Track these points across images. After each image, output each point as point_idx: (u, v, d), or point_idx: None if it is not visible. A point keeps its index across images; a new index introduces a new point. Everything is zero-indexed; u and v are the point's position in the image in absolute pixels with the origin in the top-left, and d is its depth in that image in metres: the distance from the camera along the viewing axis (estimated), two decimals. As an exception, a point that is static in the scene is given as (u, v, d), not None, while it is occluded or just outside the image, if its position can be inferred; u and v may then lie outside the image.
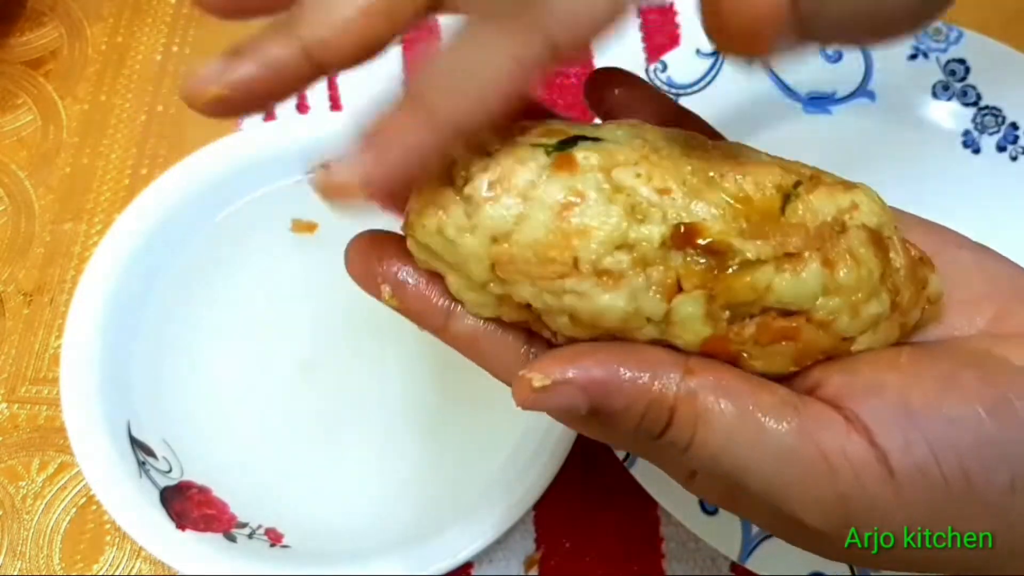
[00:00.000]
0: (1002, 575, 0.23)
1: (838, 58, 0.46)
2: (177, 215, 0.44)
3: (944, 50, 0.46)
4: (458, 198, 0.23)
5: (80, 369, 0.40)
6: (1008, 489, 0.21)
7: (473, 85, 0.21)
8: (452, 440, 0.41)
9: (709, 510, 0.38)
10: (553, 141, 0.23)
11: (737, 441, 0.21)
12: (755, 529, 0.37)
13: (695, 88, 0.46)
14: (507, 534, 0.38)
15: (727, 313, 0.22)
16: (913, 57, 0.46)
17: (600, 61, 0.50)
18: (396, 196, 0.24)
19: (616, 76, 0.28)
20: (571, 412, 0.22)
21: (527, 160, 0.23)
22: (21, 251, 0.47)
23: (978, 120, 0.46)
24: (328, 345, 0.43)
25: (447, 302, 0.24)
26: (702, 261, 0.22)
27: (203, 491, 0.40)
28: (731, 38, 0.20)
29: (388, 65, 0.51)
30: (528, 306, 0.23)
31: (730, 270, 0.22)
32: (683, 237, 0.22)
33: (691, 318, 0.22)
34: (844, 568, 0.37)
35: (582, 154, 0.23)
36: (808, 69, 0.46)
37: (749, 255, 0.22)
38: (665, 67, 0.46)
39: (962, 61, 0.46)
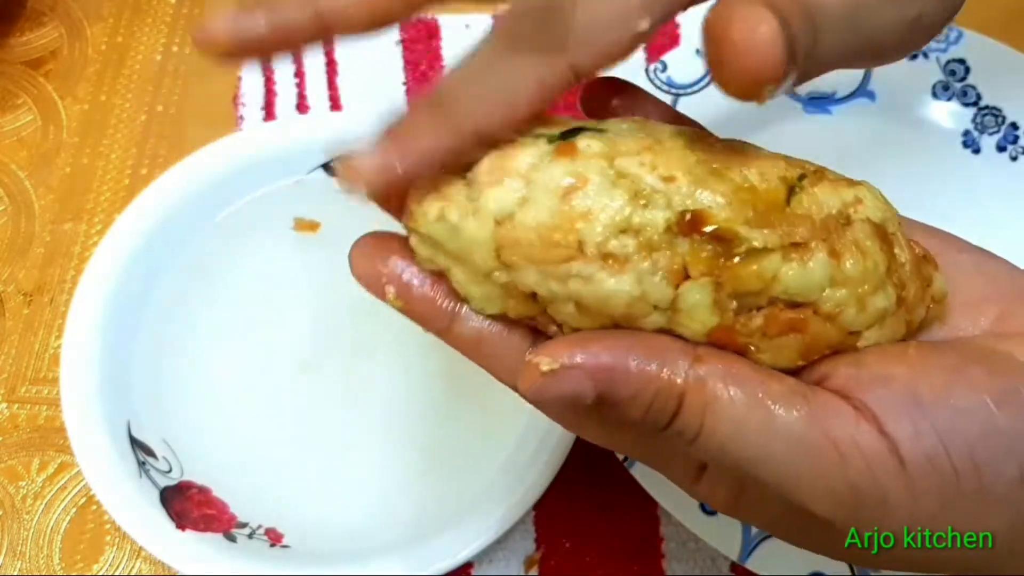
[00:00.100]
0: (1003, 575, 0.23)
1: (838, 58, 0.46)
2: (177, 215, 0.44)
3: (944, 50, 0.46)
4: (460, 184, 0.23)
5: (80, 369, 0.40)
6: (1018, 481, 0.21)
7: (498, 98, 0.22)
8: (452, 440, 0.41)
9: (709, 510, 0.38)
10: (556, 131, 0.23)
11: (746, 429, 0.21)
12: (755, 529, 0.37)
13: (695, 88, 0.46)
14: (507, 534, 0.38)
15: (734, 303, 0.22)
16: (913, 57, 0.46)
17: (600, 61, 0.50)
18: (405, 195, 0.24)
19: (613, 84, 0.28)
20: (577, 400, 0.22)
21: (529, 146, 0.23)
22: (21, 251, 0.47)
23: (978, 120, 0.46)
24: (328, 345, 0.43)
25: (452, 303, 0.24)
26: (709, 248, 0.22)
27: (203, 491, 0.40)
28: (731, 85, 0.21)
29: (388, 66, 0.51)
30: (534, 296, 0.23)
31: (737, 258, 0.22)
32: (689, 224, 0.22)
33: (698, 306, 0.22)
34: (844, 568, 0.37)
35: (584, 142, 0.23)
36: (808, 69, 0.46)
37: (756, 243, 0.22)
38: (665, 67, 0.46)
39: (962, 61, 0.46)
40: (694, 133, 0.25)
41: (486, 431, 0.41)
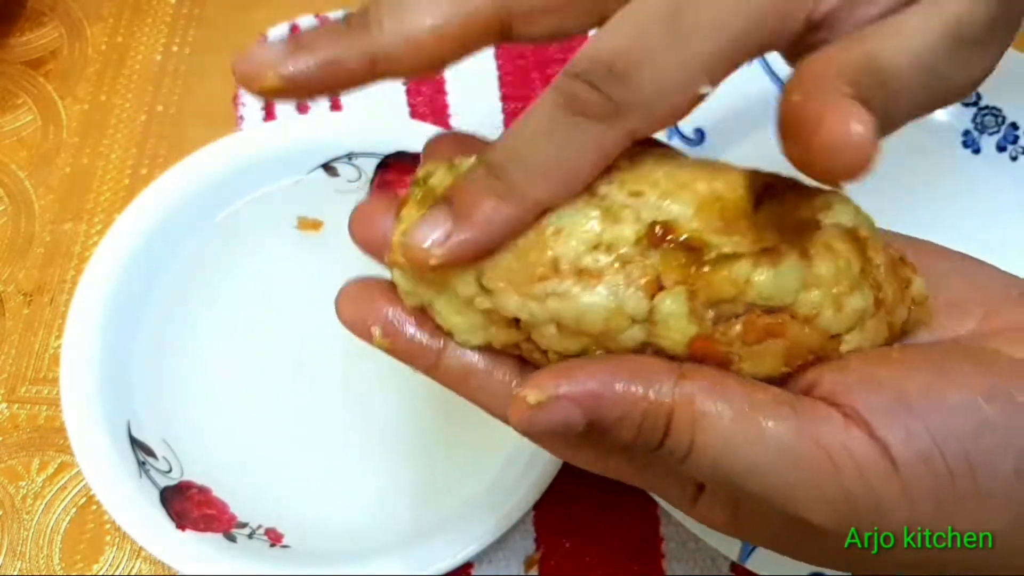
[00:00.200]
0: (1005, 574, 0.23)
1: (838, 58, 0.46)
2: (177, 215, 0.44)
3: (944, 50, 0.46)
4: None
5: (80, 369, 0.40)
6: (1013, 477, 0.21)
7: (561, 168, 0.22)
8: (452, 440, 0.41)
9: (709, 510, 0.38)
10: None
11: (736, 443, 0.21)
12: (755, 529, 0.37)
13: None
14: (507, 534, 0.38)
15: (711, 312, 0.22)
16: (913, 57, 0.46)
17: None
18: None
19: None
20: (568, 428, 0.22)
21: None
22: (21, 251, 0.47)
23: (978, 120, 0.46)
24: (328, 345, 0.43)
25: (437, 341, 0.25)
26: (680, 257, 0.22)
27: (203, 491, 0.40)
28: (822, 178, 0.21)
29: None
30: (516, 323, 0.23)
31: (708, 266, 0.22)
32: (658, 236, 0.22)
33: (674, 316, 0.22)
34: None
35: None
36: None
37: (726, 249, 0.22)
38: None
39: (962, 61, 0.45)
40: (662, 152, 0.25)
41: (486, 431, 0.40)
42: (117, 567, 0.40)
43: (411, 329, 0.25)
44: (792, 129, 0.21)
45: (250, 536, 0.39)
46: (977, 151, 0.46)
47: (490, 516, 0.38)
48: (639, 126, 0.22)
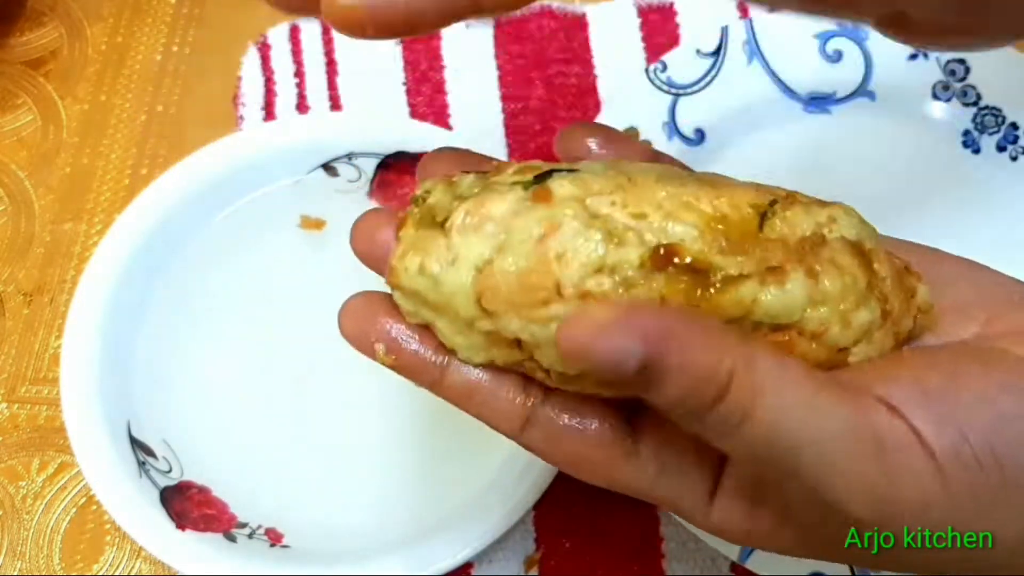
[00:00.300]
0: (1003, 575, 0.23)
1: (838, 58, 0.46)
2: (177, 215, 0.44)
3: (944, 50, 0.46)
4: (438, 237, 0.23)
5: (80, 369, 0.40)
6: None
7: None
8: (452, 440, 0.41)
9: (709, 510, 0.38)
10: (529, 177, 0.24)
11: (796, 415, 0.20)
12: (755, 529, 0.37)
13: (695, 88, 0.46)
14: (507, 534, 0.38)
15: None
16: (913, 57, 0.46)
17: (599, 63, 0.50)
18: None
19: (588, 128, 0.28)
20: (622, 366, 0.20)
21: (505, 193, 0.23)
22: (21, 251, 0.47)
23: (978, 120, 0.46)
24: (328, 345, 0.43)
25: (441, 357, 0.25)
26: (685, 280, 0.22)
27: (203, 491, 0.40)
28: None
29: (388, 66, 0.51)
30: (518, 344, 0.23)
31: (714, 288, 0.22)
32: (663, 258, 0.22)
33: None
34: (844, 569, 0.37)
35: (557, 184, 0.23)
36: (808, 69, 0.46)
37: (731, 271, 0.22)
38: (665, 67, 0.46)
39: (962, 61, 0.45)
40: (665, 169, 0.25)
41: (486, 431, 0.40)
42: (117, 567, 0.40)
43: (415, 346, 0.25)
44: None
45: (250, 536, 0.39)
46: (977, 151, 0.46)
47: (490, 516, 0.38)
48: None
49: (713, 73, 0.46)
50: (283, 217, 0.45)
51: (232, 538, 0.38)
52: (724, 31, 0.46)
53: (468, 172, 0.25)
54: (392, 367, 0.25)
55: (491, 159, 0.28)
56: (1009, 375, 0.22)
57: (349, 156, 0.45)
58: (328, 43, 0.52)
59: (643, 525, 0.40)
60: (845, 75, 0.46)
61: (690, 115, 0.46)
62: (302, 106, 0.50)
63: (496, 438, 0.40)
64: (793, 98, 0.47)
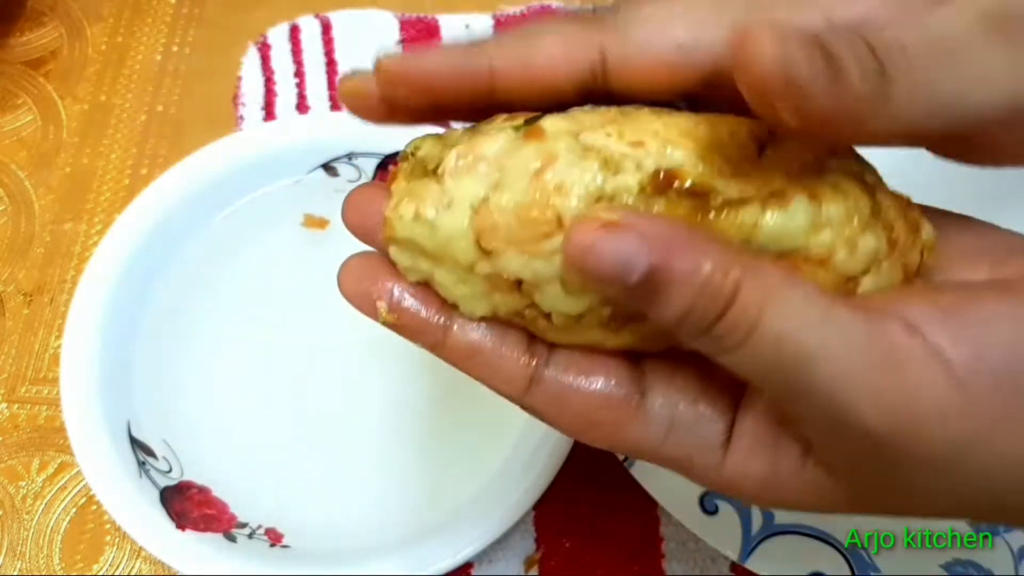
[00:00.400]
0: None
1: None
2: (177, 215, 0.44)
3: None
4: (431, 183, 0.23)
5: (80, 369, 0.40)
6: None
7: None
8: (452, 440, 0.41)
9: (709, 510, 0.38)
10: (519, 120, 0.23)
11: (806, 325, 0.20)
12: (755, 529, 0.37)
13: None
14: (507, 534, 0.38)
15: None
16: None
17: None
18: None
19: None
20: (624, 273, 0.19)
21: (496, 135, 0.23)
22: (21, 251, 0.47)
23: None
24: (328, 344, 0.43)
25: (443, 317, 0.24)
26: (686, 204, 0.22)
27: (203, 491, 0.40)
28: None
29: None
30: (519, 286, 0.23)
31: (715, 211, 0.21)
32: (662, 182, 0.21)
33: None
34: (844, 568, 0.37)
35: (549, 122, 0.23)
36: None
37: (733, 195, 0.21)
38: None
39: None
40: (655, 107, 0.24)
41: (486, 431, 0.41)
42: (117, 567, 0.40)
43: (416, 304, 0.24)
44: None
45: (250, 536, 0.39)
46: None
47: (490, 516, 0.38)
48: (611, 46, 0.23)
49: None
50: (283, 217, 0.45)
51: (232, 538, 0.38)
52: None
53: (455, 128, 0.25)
54: (394, 326, 0.25)
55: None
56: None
57: (349, 156, 0.45)
58: (328, 43, 0.52)
59: (643, 525, 0.40)
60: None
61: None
62: (302, 106, 0.50)
63: (496, 439, 0.40)
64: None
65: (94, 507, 0.41)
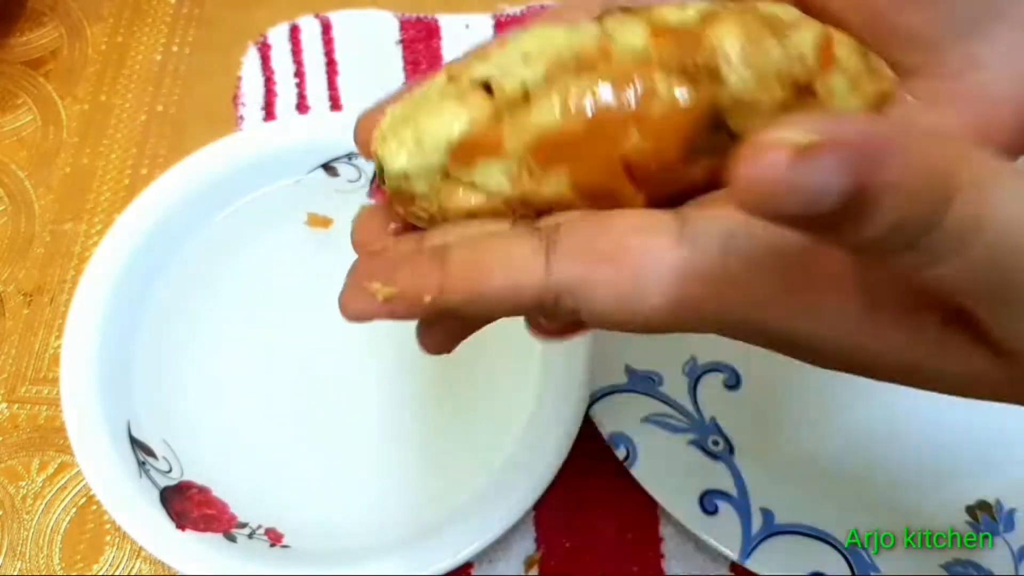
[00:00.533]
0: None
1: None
2: (177, 215, 0.44)
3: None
4: (405, 128, 0.25)
5: (80, 369, 0.40)
6: None
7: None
8: (452, 440, 0.41)
9: (709, 510, 0.38)
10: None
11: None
12: (755, 529, 0.37)
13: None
14: (507, 534, 0.38)
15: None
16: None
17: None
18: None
19: None
20: (821, 201, 0.15)
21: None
22: (21, 251, 0.47)
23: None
24: (328, 344, 0.43)
25: (436, 256, 0.22)
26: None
27: (203, 491, 0.40)
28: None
29: (388, 65, 0.51)
30: (488, 88, 0.24)
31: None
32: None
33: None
34: (844, 568, 0.37)
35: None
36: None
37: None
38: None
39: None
40: None
41: (486, 431, 0.41)
42: (117, 567, 0.40)
43: (405, 248, 0.24)
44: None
45: (250, 536, 0.39)
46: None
47: (490, 516, 0.38)
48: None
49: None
50: (283, 217, 0.45)
51: (232, 538, 0.38)
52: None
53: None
54: (397, 296, 0.23)
55: None
56: None
57: (349, 156, 0.45)
58: (328, 43, 0.52)
59: (643, 525, 0.40)
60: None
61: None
62: (302, 106, 0.50)
63: (496, 438, 0.40)
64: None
65: (94, 507, 0.41)
